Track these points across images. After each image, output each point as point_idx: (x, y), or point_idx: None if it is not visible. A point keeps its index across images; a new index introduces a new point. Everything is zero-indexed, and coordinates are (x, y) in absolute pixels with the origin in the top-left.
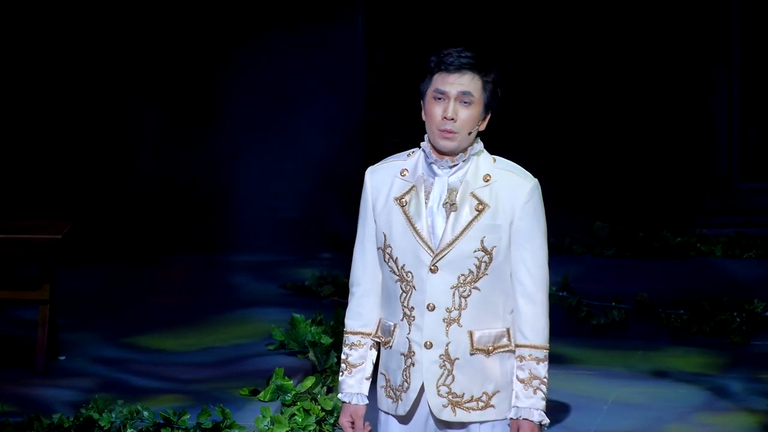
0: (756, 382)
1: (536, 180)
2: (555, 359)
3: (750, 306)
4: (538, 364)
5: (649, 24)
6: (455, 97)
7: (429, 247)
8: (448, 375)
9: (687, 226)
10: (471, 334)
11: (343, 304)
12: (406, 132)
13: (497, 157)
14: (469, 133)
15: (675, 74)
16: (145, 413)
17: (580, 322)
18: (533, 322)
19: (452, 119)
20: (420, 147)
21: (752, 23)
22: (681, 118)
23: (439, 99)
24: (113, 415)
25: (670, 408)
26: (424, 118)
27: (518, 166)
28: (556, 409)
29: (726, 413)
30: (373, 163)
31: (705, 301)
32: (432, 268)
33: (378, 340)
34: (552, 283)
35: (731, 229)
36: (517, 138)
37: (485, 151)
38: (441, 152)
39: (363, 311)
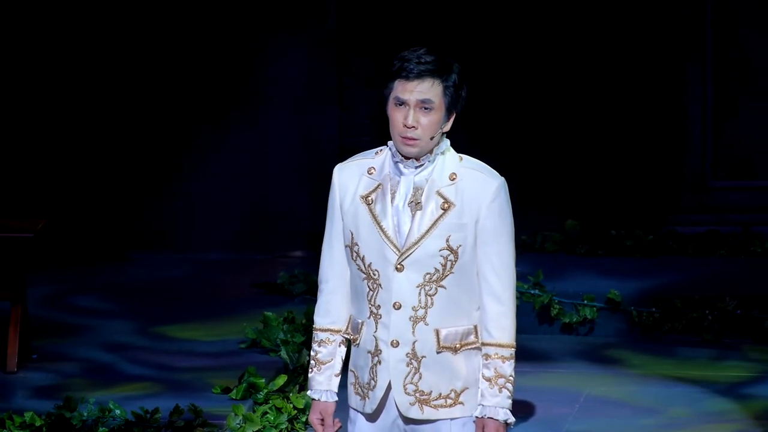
0: (727, 379)
1: (503, 178)
2: (526, 357)
3: (722, 304)
4: (503, 362)
5: (621, 20)
6: (415, 105)
7: (395, 246)
8: (415, 373)
9: (660, 224)
10: (437, 332)
11: (315, 302)
12: (378, 131)
13: (464, 156)
14: (432, 138)
15: (648, 71)
16: (117, 411)
17: (551, 320)
18: (499, 320)
19: (413, 127)
20: (387, 145)
21: (726, 20)
22: (654, 115)
23: (400, 106)
24: (85, 414)
25: (642, 405)
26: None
27: (485, 164)
28: (528, 407)
29: (699, 410)
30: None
31: (677, 299)
32: (398, 266)
33: (348, 336)
34: (524, 280)
35: (704, 227)
36: (488, 136)
37: (452, 149)
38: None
39: (331, 308)
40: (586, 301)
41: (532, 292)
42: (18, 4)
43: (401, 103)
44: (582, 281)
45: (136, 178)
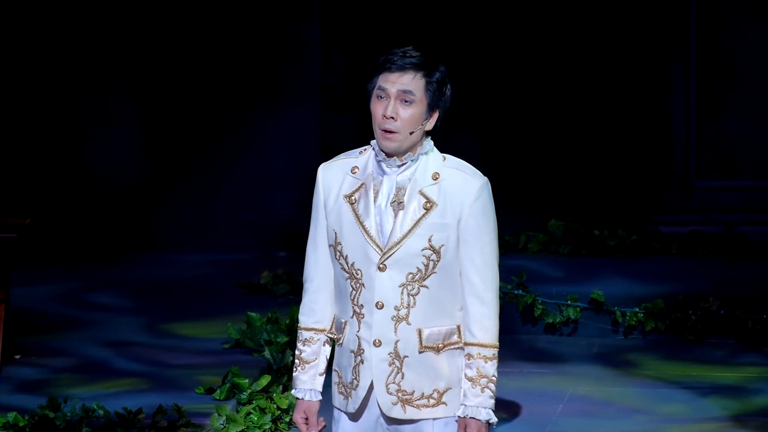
0: (710, 379)
1: (485, 178)
2: (510, 357)
3: (705, 304)
4: (486, 362)
5: (606, 21)
6: (395, 96)
7: (377, 246)
8: (397, 373)
9: (643, 224)
10: (420, 332)
11: (299, 302)
12: (361, 131)
13: (447, 156)
14: (411, 133)
15: (632, 72)
16: (101, 412)
17: (535, 320)
18: (482, 320)
19: (392, 118)
20: (371, 144)
21: (710, 22)
22: (638, 116)
23: (381, 98)
24: (68, 414)
25: (625, 404)
26: None
27: (468, 164)
28: (512, 407)
29: (683, 409)
30: None
31: (660, 299)
32: (380, 266)
33: (332, 336)
34: (507, 281)
35: (687, 227)
36: (473, 136)
37: (435, 149)
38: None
39: (316, 307)
40: (569, 302)
41: (516, 292)
42: (17, 5)
43: (382, 94)
44: (565, 281)
45: (127, 180)
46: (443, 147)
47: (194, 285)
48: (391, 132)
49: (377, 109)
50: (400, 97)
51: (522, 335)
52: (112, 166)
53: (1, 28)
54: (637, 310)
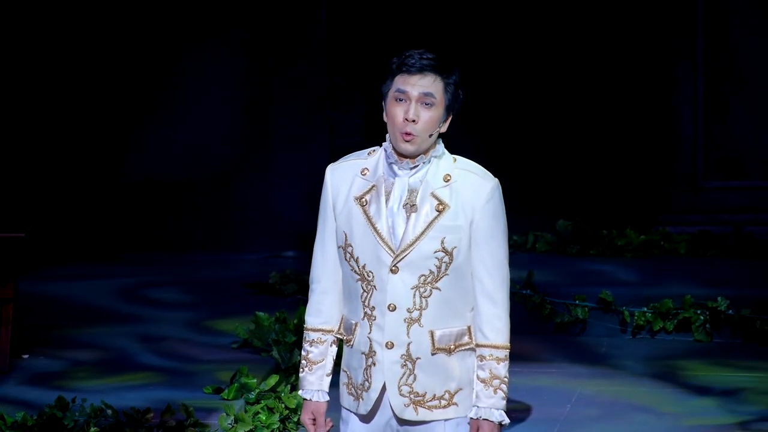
0: (718, 378)
1: (496, 180)
2: (519, 357)
3: (713, 304)
4: (498, 363)
5: (613, 21)
6: (417, 99)
7: (389, 248)
8: (409, 375)
9: (651, 224)
10: (432, 334)
11: (307, 302)
12: (369, 131)
13: (458, 157)
14: (430, 135)
15: (640, 72)
16: (109, 411)
17: (543, 320)
18: (493, 321)
19: (413, 121)
20: (381, 146)
21: (716, 21)
22: (645, 116)
23: (401, 100)
24: (77, 414)
25: (634, 404)
26: (385, 119)
27: (479, 165)
28: (521, 407)
29: (691, 409)
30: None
31: (668, 299)
32: (393, 268)
33: (341, 336)
34: (516, 281)
35: (695, 227)
36: (481, 136)
37: (447, 152)
38: (402, 154)
39: (323, 308)
40: (577, 301)
41: (524, 292)
42: (17, 7)
43: (402, 95)
44: (573, 281)
45: (137, 180)
46: (452, 147)
47: (200, 284)
48: (411, 135)
49: (397, 112)
50: (422, 100)
51: (530, 335)
52: (118, 163)
53: (14, 31)
54: (645, 309)
